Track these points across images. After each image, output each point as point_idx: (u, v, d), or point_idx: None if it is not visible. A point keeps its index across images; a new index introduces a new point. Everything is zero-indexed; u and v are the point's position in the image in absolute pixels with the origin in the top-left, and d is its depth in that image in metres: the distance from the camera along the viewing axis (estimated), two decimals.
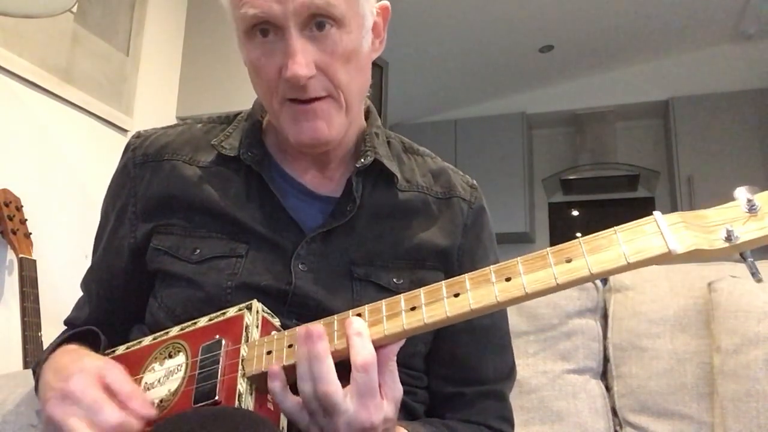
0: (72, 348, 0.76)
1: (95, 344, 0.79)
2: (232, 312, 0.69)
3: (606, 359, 1.24)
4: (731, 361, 1.06)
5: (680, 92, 3.86)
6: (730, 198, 0.53)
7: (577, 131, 4.20)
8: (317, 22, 0.69)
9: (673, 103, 3.84)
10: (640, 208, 4.13)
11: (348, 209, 0.78)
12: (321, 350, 0.58)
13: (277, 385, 0.60)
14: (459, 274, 0.82)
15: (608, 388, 1.23)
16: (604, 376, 1.25)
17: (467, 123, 4.27)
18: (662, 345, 1.16)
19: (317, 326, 0.60)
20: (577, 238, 0.57)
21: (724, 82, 3.79)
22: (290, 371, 0.61)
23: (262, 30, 0.70)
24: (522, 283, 0.55)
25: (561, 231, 4.30)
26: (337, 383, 0.57)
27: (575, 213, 4.34)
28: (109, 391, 0.64)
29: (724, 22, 3.54)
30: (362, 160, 0.79)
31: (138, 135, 0.87)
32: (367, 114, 0.87)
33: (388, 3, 0.81)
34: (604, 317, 1.28)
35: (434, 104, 4.35)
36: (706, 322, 1.15)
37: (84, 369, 0.65)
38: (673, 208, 3.85)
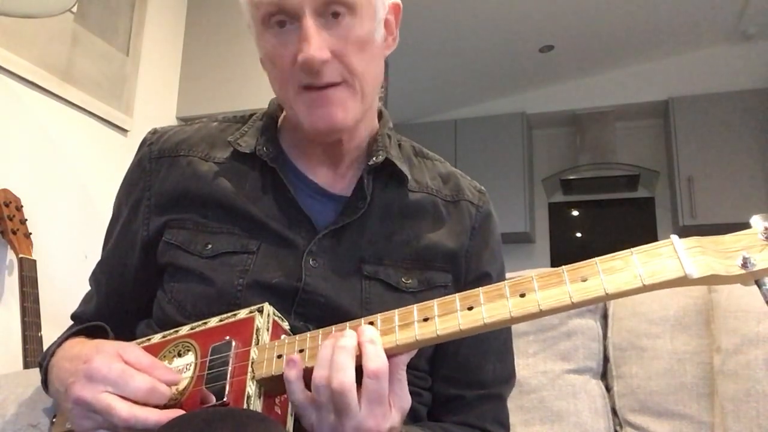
0: (81, 339, 0.77)
1: (102, 339, 0.79)
2: (243, 314, 0.69)
3: (606, 359, 1.24)
4: (731, 361, 1.06)
5: (680, 92, 3.86)
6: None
7: (577, 131, 4.20)
8: (332, 11, 0.71)
9: (673, 103, 3.83)
10: (640, 208, 4.14)
11: (359, 206, 0.79)
12: (348, 343, 0.59)
13: (293, 373, 0.60)
14: (466, 277, 0.84)
15: (608, 388, 1.23)
16: (604, 376, 1.25)
17: (467, 123, 4.26)
18: (662, 345, 1.16)
19: (350, 329, 0.61)
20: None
21: (724, 82, 3.79)
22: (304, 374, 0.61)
23: (279, 22, 0.72)
24: (536, 300, 0.55)
25: (561, 231, 4.30)
26: (354, 380, 0.57)
27: (575, 213, 4.34)
28: (131, 366, 0.65)
29: (724, 22, 3.54)
30: (374, 158, 0.80)
31: (154, 131, 0.88)
32: (380, 116, 0.88)
33: (399, 1, 0.82)
34: (604, 317, 1.28)
35: (434, 104, 4.35)
36: (706, 322, 1.15)
37: (102, 350, 0.66)
38: (673, 208, 3.85)
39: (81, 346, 0.73)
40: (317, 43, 0.69)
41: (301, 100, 0.74)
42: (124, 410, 0.61)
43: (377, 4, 0.76)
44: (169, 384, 0.65)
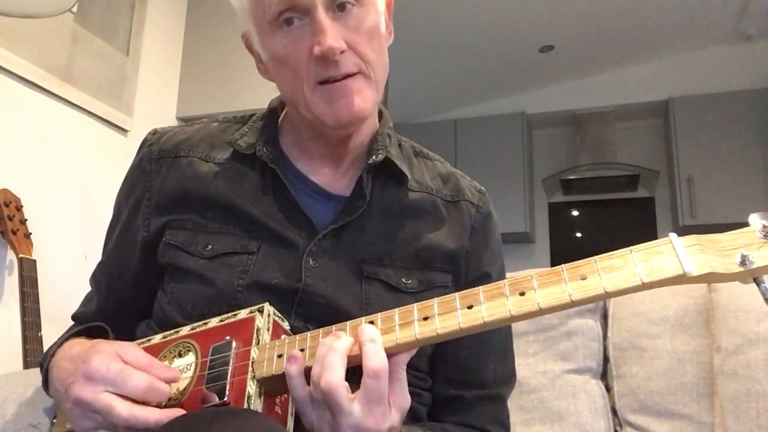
0: (81, 340, 0.77)
1: (103, 339, 0.79)
2: (243, 314, 0.69)
3: (606, 359, 1.24)
4: (731, 361, 1.06)
5: (680, 92, 3.86)
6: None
7: (577, 131, 4.20)
8: (339, 4, 0.71)
9: (673, 103, 3.84)
10: (640, 208, 4.14)
11: (358, 205, 0.79)
12: (340, 345, 0.59)
13: (294, 368, 0.60)
14: (466, 277, 0.83)
15: (608, 388, 1.23)
16: (604, 376, 1.25)
17: (467, 123, 4.27)
18: (662, 345, 1.16)
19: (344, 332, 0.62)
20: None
21: (724, 82, 3.79)
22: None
23: (287, 20, 0.72)
24: (536, 298, 0.55)
25: (561, 231, 4.30)
26: (343, 380, 0.57)
27: (575, 213, 4.34)
28: (130, 365, 0.65)
29: (724, 22, 3.54)
30: (374, 157, 0.80)
31: (154, 132, 0.88)
32: (380, 115, 0.88)
33: None
34: (604, 317, 1.28)
35: (434, 104, 4.35)
36: (706, 322, 1.15)
37: (101, 350, 0.66)
38: (673, 208, 3.85)
39: (80, 346, 0.73)
40: (333, 34, 0.70)
41: (319, 96, 0.74)
42: (124, 410, 0.62)
43: None
44: (168, 382, 0.65)
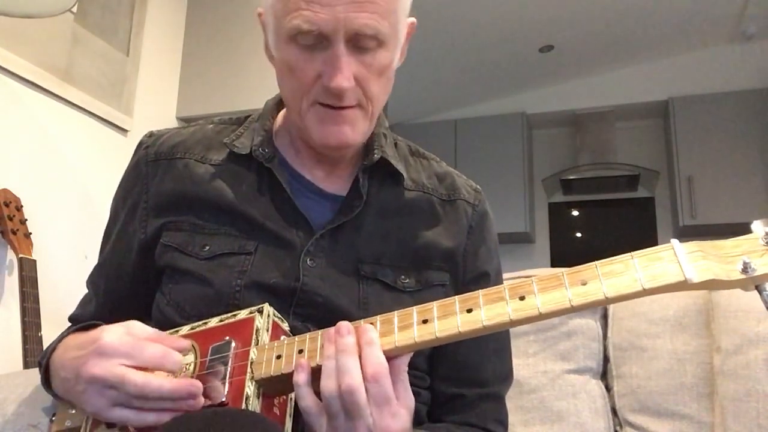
0: (82, 333, 0.76)
1: None
2: (243, 314, 0.69)
3: (606, 359, 1.24)
4: (731, 361, 1.06)
5: (680, 92, 3.86)
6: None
7: (577, 131, 4.20)
8: (362, 45, 0.71)
9: (673, 103, 3.83)
10: (640, 208, 4.14)
11: (355, 205, 0.79)
12: (350, 344, 0.59)
13: (302, 377, 0.60)
14: (464, 276, 0.84)
15: (608, 388, 1.23)
16: (604, 376, 1.25)
17: (467, 123, 4.26)
18: (662, 345, 1.16)
19: (346, 323, 0.61)
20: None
21: (724, 82, 3.78)
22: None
23: (306, 43, 0.71)
24: (536, 303, 0.55)
25: (561, 231, 4.30)
26: (361, 381, 0.58)
27: (575, 213, 4.34)
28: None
29: (724, 22, 3.54)
30: (370, 157, 0.81)
31: (150, 134, 0.88)
32: None
33: (414, 19, 0.82)
34: (604, 317, 1.28)
35: (434, 104, 4.35)
36: (706, 322, 1.15)
37: (110, 329, 0.67)
38: (673, 208, 3.85)
39: (86, 333, 0.72)
40: (347, 74, 0.70)
41: (314, 114, 0.74)
42: (139, 377, 0.61)
43: (401, 31, 0.76)
44: (180, 351, 0.66)
